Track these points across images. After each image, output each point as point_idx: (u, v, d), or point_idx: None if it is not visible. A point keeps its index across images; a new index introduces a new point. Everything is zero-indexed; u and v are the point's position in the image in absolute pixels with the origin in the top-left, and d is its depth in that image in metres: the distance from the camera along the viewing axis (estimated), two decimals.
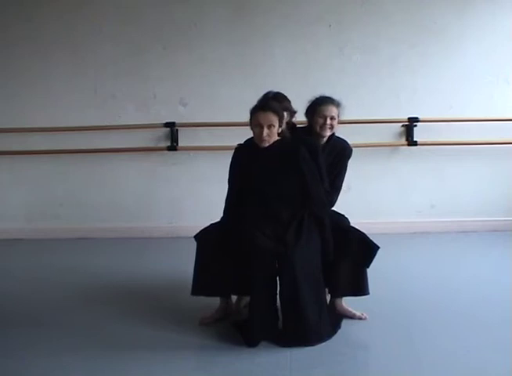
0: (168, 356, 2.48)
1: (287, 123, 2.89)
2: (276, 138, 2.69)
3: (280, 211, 2.67)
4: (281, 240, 2.58)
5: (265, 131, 2.62)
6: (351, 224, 2.91)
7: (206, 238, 2.78)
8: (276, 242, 2.58)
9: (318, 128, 2.90)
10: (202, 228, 2.86)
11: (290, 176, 2.68)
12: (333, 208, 2.97)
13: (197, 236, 2.82)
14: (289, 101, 2.94)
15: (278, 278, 2.58)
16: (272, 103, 2.73)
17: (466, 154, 4.81)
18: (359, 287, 2.81)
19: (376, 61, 4.78)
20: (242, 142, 2.93)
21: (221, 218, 2.86)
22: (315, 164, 2.75)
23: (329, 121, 2.88)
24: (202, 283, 2.78)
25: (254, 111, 2.67)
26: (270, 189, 2.68)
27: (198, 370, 2.47)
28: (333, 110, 2.90)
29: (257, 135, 2.65)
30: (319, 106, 2.92)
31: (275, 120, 2.63)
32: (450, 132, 4.74)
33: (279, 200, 2.68)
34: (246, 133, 2.84)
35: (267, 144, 2.66)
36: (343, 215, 2.98)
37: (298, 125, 3.09)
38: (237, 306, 2.96)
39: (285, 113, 2.80)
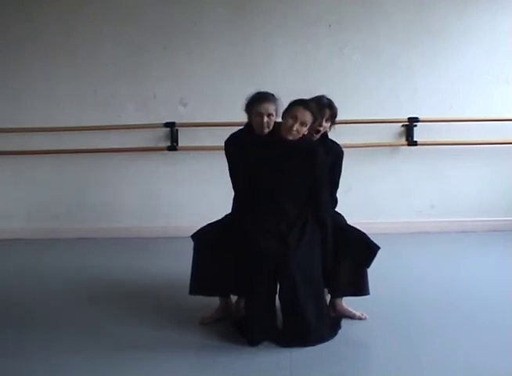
0: (168, 356, 2.48)
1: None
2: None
3: (288, 209, 2.67)
4: (283, 239, 2.59)
5: (297, 126, 2.63)
6: (351, 224, 2.91)
7: (204, 238, 2.78)
8: (278, 242, 2.58)
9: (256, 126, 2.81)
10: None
11: (303, 174, 2.69)
12: None
13: (195, 236, 2.81)
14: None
15: (278, 278, 2.57)
16: (315, 106, 2.72)
17: (466, 154, 4.82)
18: (359, 287, 2.80)
19: (377, 61, 4.79)
20: (232, 139, 2.92)
21: (229, 215, 2.87)
22: (333, 169, 2.81)
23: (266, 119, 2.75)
24: (200, 282, 2.77)
25: (295, 104, 2.67)
26: (282, 184, 2.68)
27: (198, 369, 2.47)
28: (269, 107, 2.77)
29: (288, 126, 2.64)
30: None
31: (309, 121, 2.65)
32: (450, 132, 4.75)
33: (289, 197, 2.68)
34: None
35: (291, 137, 2.66)
36: (339, 214, 2.98)
37: None
38: (237, 306, 2.95)
39: (329, 122, 2.85)
